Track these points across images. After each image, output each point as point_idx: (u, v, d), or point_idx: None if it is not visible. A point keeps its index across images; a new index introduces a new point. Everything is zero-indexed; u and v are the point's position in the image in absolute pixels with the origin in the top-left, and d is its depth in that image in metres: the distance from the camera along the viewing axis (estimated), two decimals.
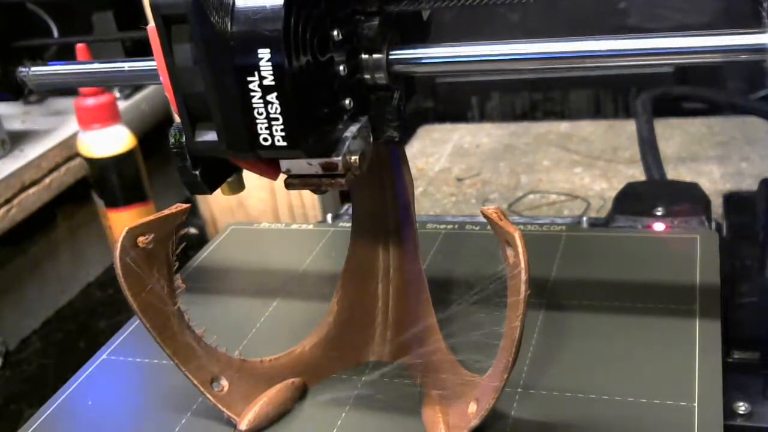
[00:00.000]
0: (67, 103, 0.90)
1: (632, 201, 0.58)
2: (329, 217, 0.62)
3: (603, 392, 0.39)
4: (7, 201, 0.76)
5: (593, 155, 0.84)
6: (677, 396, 0.38)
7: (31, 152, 0.81)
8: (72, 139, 0.82)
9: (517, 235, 0.32)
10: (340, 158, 0.33)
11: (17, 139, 0.84)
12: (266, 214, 0.78)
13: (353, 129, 0.34)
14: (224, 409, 0.39)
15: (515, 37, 0.35)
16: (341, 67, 0.34)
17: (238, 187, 0.37)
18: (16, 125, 0.88)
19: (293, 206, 0.78)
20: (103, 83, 0.64)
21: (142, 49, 0.35)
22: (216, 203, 0.80)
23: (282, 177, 0.35)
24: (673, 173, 0.74)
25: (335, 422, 0.39)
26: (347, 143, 0.34)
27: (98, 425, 0.42)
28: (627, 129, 0.87)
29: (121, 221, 0.78)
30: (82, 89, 0.76)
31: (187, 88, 0.32)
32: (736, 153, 0.80)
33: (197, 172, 0.35)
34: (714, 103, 0.88)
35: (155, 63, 0.33)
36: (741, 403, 0.40)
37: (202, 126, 0.33)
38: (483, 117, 0.99)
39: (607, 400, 0.38)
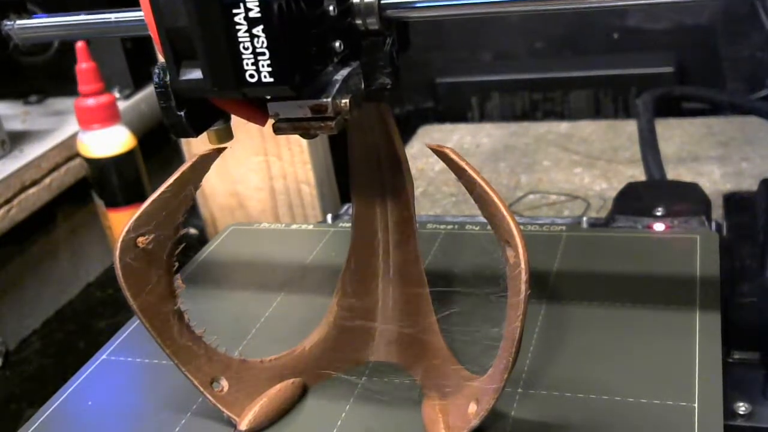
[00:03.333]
0: (67, 103, 0.90)
1: (632, 201, 0.58)
2: (329, 217, 0.62)
3: (603, 392, 0.39)
4: (7, 201, 0.76)
5: (593, 155, 0.84)
6: (677, 396, 0.38)
7: (31, 152, 0.81)
8: (72, 139, 0.82)
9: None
10: (329, 100, 0.33)
11: (17, 139, 0.84)
12: (266, 214, 0.78)
13: (344, 72, 0.34)
14: (224, 409, 0.39)
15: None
16: (331, 7, 0.33)
17: (226, 135, 0.36)
18: (16, 125, 0.88)
19: (293, 206, 0.78)
20: (89, 36, 0.63)
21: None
22: (216, 203, 0.80)
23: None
24: (673, 173, 0.74)
25: (335, 422, 0.39)
26: (337, 86, 0.33)
27: (98, 425, 0.42)
28: (627, 129, 0.87)
29: (121, 221, 0.78)
30: (82, 89, 0.76)
31: (170, 22, 0.31)
32: (736, 153, 0.80)
33: (182, 113, 0.34)
34: (714, 103, 0.88)
35: (142, 13, 0.32)
36: (741, 403, 0.40)
37: (187, 64, 0.32)
38: (483, 117, 0.99)
39: (607, 400, 0.38)
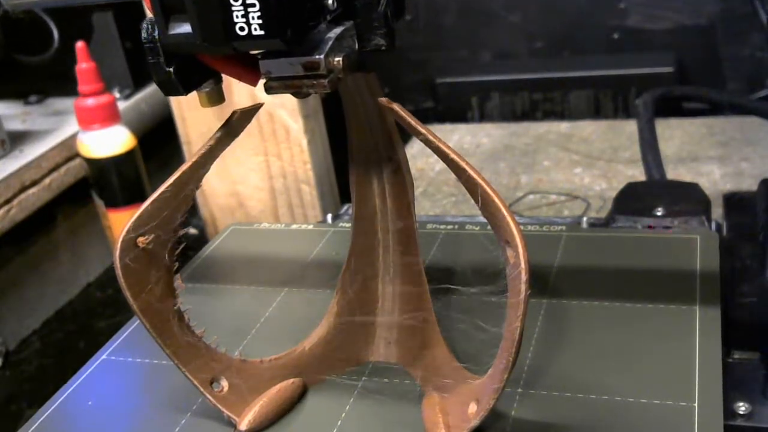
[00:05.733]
0: (67, 103, 0.90)
1: (632, 201, 0.58)
2: (329, 217, 0.62)
3: (603, 392, 0.39)
4: (7, 201, 0.76)
5: (593, 155, 0.84)
6: (677, 396, 0.38)
7: (31, 152, 0.81)
8: (72, 139, 0.82)
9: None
10: (322, 57, 0.32)
11: (17, 139, 0.84)
12: (266, 214, 0.78)
13: (337, 31, 0.33)
14: (224, 409, 0.39)
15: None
16: None
17: (217, 97, 0.36)
18: (16, 125, 0.88)
19: (293, 206, 0.78)
20: (80, 2, 0.61)
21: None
22: (216, 203, 0.80)
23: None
24: (673, 173, 0.74)
25: (335, 422, 0.39)
26: (330, 43, 0.32)
27: (98, 425, 0.42)
28: (627, 129, 0.87)
29: (121, 221, 0.78)
30: (82, 89, 0.76)
31: None
32: (736, 153, 0.80)
33: (171, 69, 0.33)
34: (714, 103, 0.88)
35: None
36: (741, 403, 0.40)
37: (177, 18, 0.31)
38: (483, 117, 0.99)
39: (607, 400, 0.38)
